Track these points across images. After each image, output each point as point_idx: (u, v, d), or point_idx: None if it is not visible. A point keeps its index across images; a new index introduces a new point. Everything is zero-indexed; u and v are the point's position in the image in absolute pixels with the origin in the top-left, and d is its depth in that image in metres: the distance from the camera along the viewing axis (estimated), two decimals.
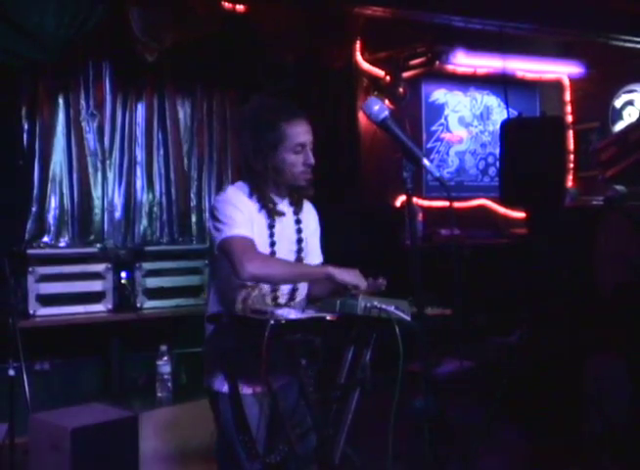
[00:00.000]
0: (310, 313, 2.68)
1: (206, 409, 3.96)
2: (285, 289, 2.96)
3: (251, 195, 2.93)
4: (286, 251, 2.97)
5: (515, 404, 5.16)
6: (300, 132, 2.90)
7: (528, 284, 5.53)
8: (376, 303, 2.65)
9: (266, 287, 2.89)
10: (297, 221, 3.05)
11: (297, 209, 3.05)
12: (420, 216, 6.63)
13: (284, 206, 3.00)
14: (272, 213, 2.94)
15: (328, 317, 2.65)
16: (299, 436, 2.86)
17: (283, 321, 2.52)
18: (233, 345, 2.73)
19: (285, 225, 2.99)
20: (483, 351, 5.65)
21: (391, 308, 2.64)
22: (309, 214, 3.14)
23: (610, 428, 4.67)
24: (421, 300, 2.36)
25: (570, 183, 7.40)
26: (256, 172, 2.90)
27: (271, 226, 2.94)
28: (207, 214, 5.68)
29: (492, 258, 6.44)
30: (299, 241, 3.04)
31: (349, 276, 2.77)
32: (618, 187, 5.26)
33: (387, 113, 2.30)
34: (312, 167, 2.93)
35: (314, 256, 3.14)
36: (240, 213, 2.85)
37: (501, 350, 5.78)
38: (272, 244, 2.93)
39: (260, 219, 2.92)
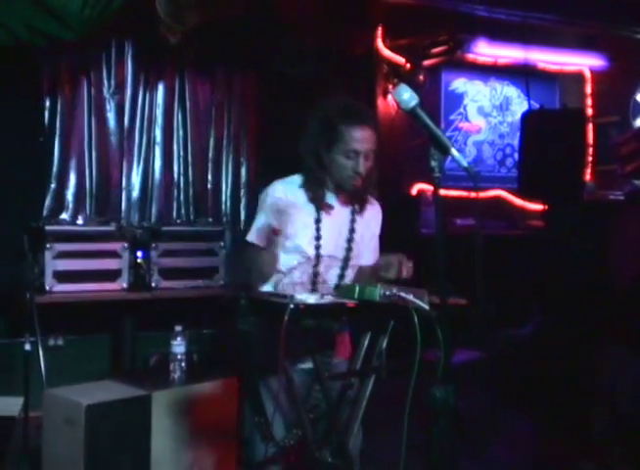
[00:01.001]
0: (329, 299, 2.70)
1: (219, 390, 4.00)
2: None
3: (303, 186, 3.02)
4: (332, 246, 3.04)
5: (526, 397, 5.17)
6: (357, 139, 2.94)
7: (543, 276, 5.53)
8: (395, 290, 2.66)
9: (297, 274, 3.01)
10: (353, 221, 3.10)
11: (356, 208, 3.11)
12: None
13: (337, 202, 3.07)
14: (319, 207, 3.01)
15: (347, 303, 2.66)
16: (314, 420, 2.88)
17: (302, 306, 2.54)
18: (251, 327, 2.75)
19: (335, 221, 3.06)
20: (496, 342, 5.66)
21: (410, 296, 2.65)
22: (371, 215, 3.20)
23: (622, 423, 4.67)
24: (444, 289, 2.36)
25: (588, 177, 7.37)
26: (313, 164, 2.99)
27: (318, 220, 3.01)
28: None
29: (507, 250, 6.43)
30: (350, 240, 3.09)
31: None
32: (638, 182, 5.24)
33: (417, 101, 2.30)
34: (363, 176, 2.98)
35: (368, 255, 3.20)
36: (264, 217, 3.03)
37: (514, 341, 5.78)
38: (317, 238, 3.01)
39: (308, 212, 3.01)
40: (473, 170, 2.29)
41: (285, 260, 3.03)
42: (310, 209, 3.01)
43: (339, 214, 3.08)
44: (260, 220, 3.05)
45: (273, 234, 3.01)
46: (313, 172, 3.00)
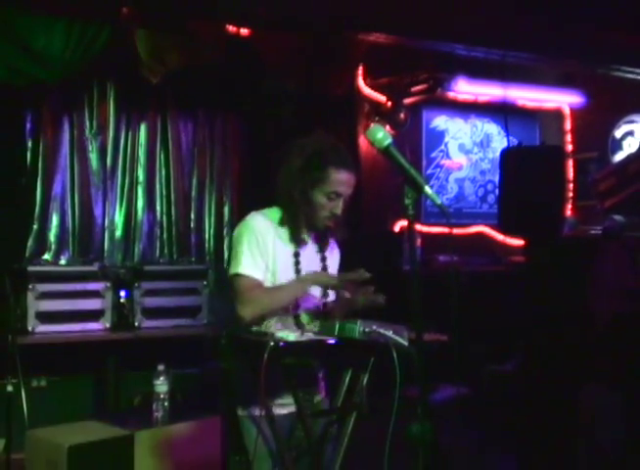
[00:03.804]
0: (309, 336, 2.70)
1: (202, 429, 3.98)
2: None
3: (281, 222, 3.02)
4: None
5: (509, 433, 5.16)
6: (342, 182, 2.99)
7: (525, 312, 5.55)
8: (374, 327, 2.67)
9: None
10: (323, 259, 3.14)
11: (323, 245, 3.15)
12: (418, 242, 6.64)
13: (309, 239, 3.10)
14: (297, 242, 3.03)
15: (327, 341, 2.67)
16: (296, 459, 2.87)
17: (282, 344, 2.55)
18: (232, 366, 2.75)
19: (309, 256, 3.09)
20: (479, 378, 5.65)
21: (390, 333, 2.66)
22: (334, 254, 3.25)
23: (603, 459, 4.66)
24: (419, 325, 2.38)
25: (568, 212, 7.42)
26: (294, 200, 2.98)
27: (296, 254, 3.04)
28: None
29: (489, 286, 6.45)
30: None
31: (333, 280, 2.97)
32: (617, 217, 5.28)
33: (390, 140, 2.34)
34: (337, 218, 3.03)
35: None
36: (251, 248, 2.95)
37: (497, 377, 5.78)
38: (297, 271, 3.02)
39: (284, 247, 3.02)
40: (446, 208, 2.32)
41: None
42: (289, 244, 3.03)
43: (310, 250, 3.11)
44: (250, 251, 2.96)
45: None
46: (294, 208, 3.00)
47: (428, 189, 2.27)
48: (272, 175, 3.08)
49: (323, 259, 3.14)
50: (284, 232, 3.03)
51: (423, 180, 2.27)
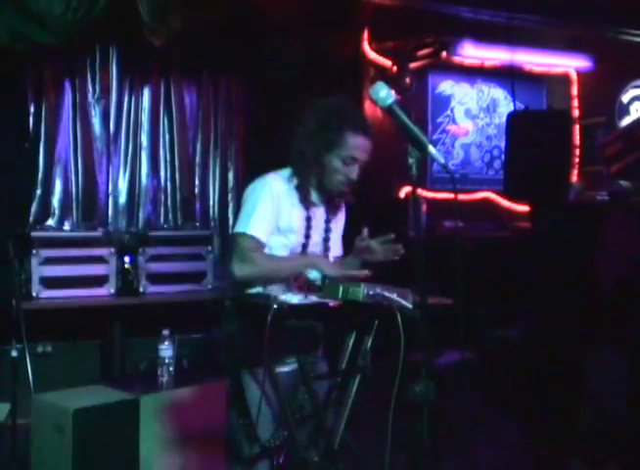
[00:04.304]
0: (313, 299, 2.69)
1: (207, 394, 3.99)
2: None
3: (292, 184, 2.99)
4: (316, 240, 3.07)
5: (514, 397, 5.18)
6: (358, 147, 2.95)
7: (530, 277, 5.54)
8: (378, 289, 2.66)
9: None
10: (328, 221, 3.12)
11: (331, 208, 3.12)
12: (424, 208, 6.61)
13: (317, 201, 3.07)
14: (307, 205, 3.00)
15: (330, 303, 2.66)
16: (299, 421, 2.88)
17: (285, 306, 2.54)
18: (236, 328, 2.74)
19: (317, 218, 3.07)
20: (484, 343, 5.66)
21: (394, 296, 2.64)
22: (341, 216, 3.23)
23: (608, 422, 4.68)
24: (423, 288, 2.36)
25: (574, 178, 7.39)
26: (306, 162, 2.95)
27: (308, 218, 3.02)
28: None
29: (495, 251, 6.44)
30: (326, 239, 3.11)
31: (333, 271, 2.86)
32: (623, 182, 5.25)
33: (393, 98, 2.31)
34: (352, 183, 3.00)
35: (336, 248, 3.21)
36: (265, 209, 2.92)
37: (502, 342, 5.79)
38: (307, 236, 3.02)
39: (298, 210, 3.00)
40: (450, 168, 2.29)
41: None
42: (301, 206, 3.01)
43: (319, 214, 3.09)
44: (262, 212, 2.92)
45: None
46: (305, 171, 2.97)
47: (431, 148, 2.24)
48: (281, 138, 3.04)
49: (327, 222, 3.12)
50: (296, 194, 3.00)
51: (427, 139, 2.24)
